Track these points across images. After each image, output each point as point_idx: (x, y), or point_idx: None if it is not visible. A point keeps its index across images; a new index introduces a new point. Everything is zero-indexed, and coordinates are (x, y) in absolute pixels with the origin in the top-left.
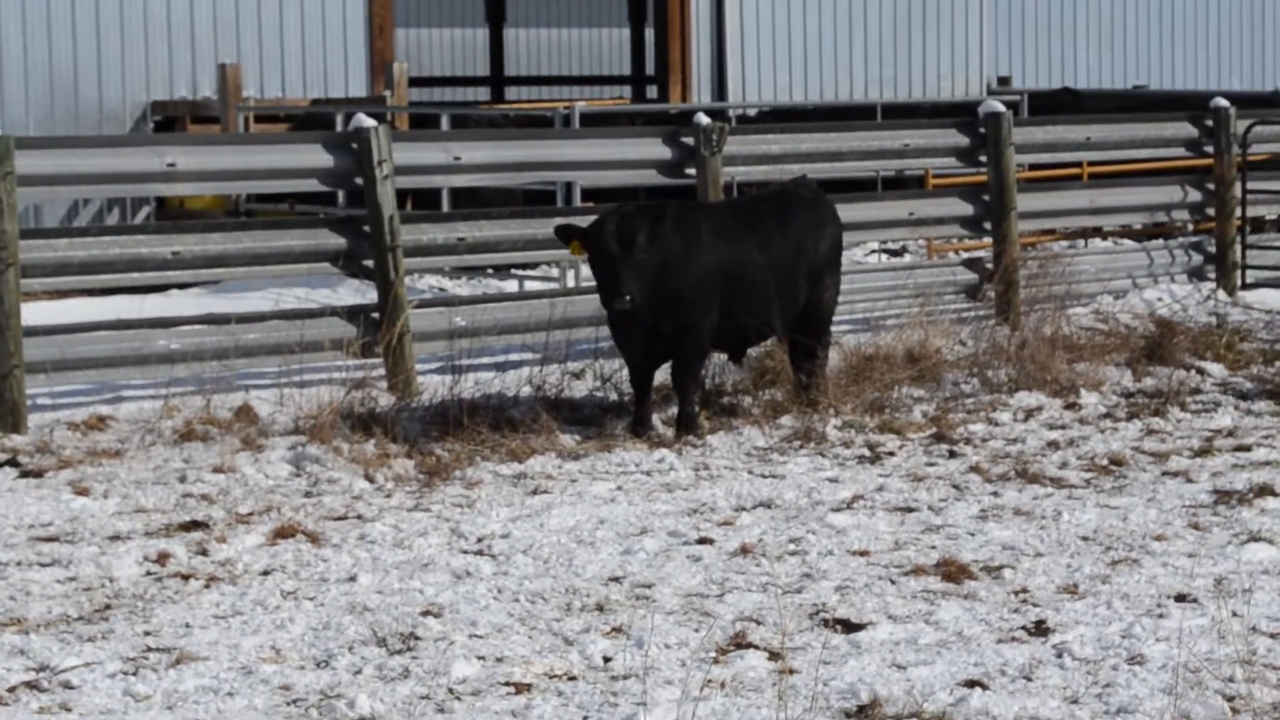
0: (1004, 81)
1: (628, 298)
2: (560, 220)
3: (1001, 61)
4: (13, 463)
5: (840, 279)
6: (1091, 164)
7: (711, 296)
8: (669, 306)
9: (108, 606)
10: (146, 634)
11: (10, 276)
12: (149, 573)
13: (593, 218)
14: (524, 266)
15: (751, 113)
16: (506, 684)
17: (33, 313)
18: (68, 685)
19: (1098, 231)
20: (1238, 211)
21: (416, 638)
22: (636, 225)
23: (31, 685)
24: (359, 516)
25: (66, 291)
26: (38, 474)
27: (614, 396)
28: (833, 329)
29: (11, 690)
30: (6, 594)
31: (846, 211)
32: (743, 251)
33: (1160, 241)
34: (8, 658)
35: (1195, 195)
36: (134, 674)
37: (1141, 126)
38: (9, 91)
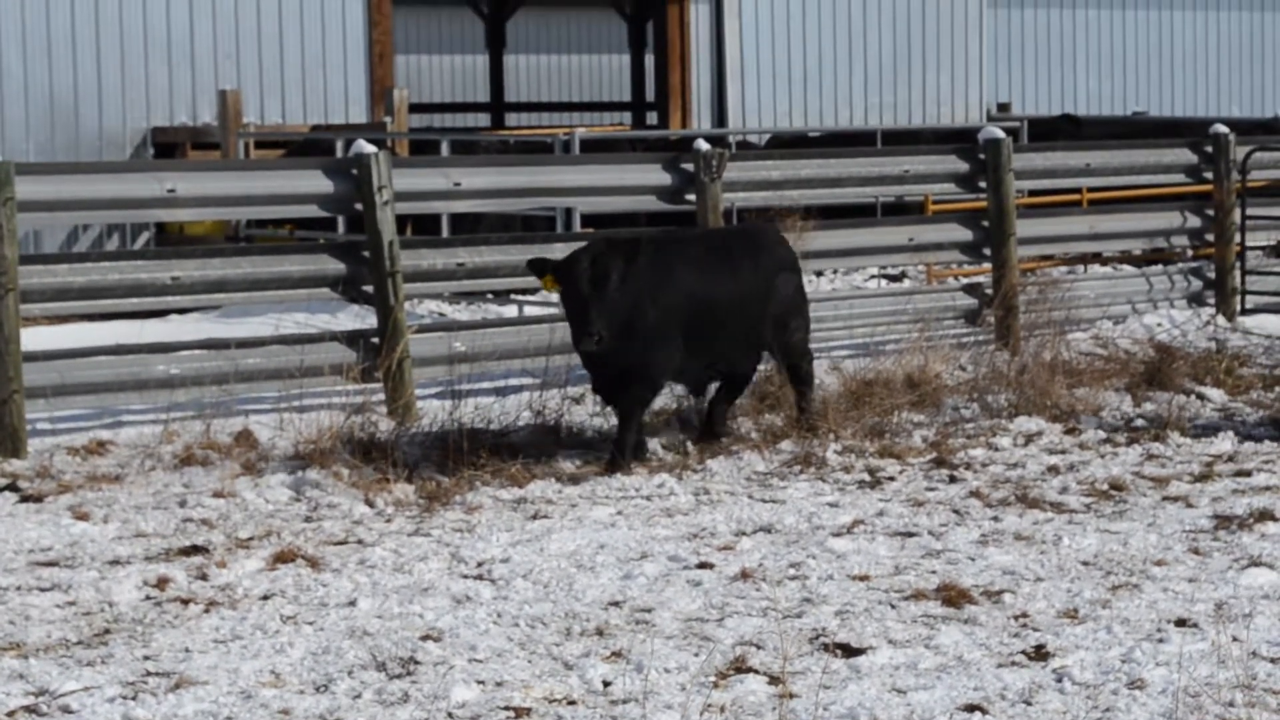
0: (1004, 108)
1: (596, 338)
2: (534, 253)
3: (1001, 88)
4: (13, 487)
5: (808, 319)
6: (1091, 190)
7: (676, 333)
8: (633, 340)
9: (107, 631)
10: (146, 658)
11: (10, 302)
12: (149, 597)
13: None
14: (523, 292)
15: (754, 139)
16: (506, 708)
17: (33, 338)
18: (67, 710)
19: (1097, 257)
20: (1237, 237)
21: (416, 662)
22: (609, 263)
23: (31, 710)
24: (359, 541)
25: (66, 317)
26: (38, 499)
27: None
28: (833, 354)
29: (11, 715)
30: (6, 618)
31: (847, 237)
32: (711, 288)
33: (1160, 267)
34: (7, 682)
35: (1195, 221)
36: (133, 698)
37: (1141, 153)
38: (9, 117)
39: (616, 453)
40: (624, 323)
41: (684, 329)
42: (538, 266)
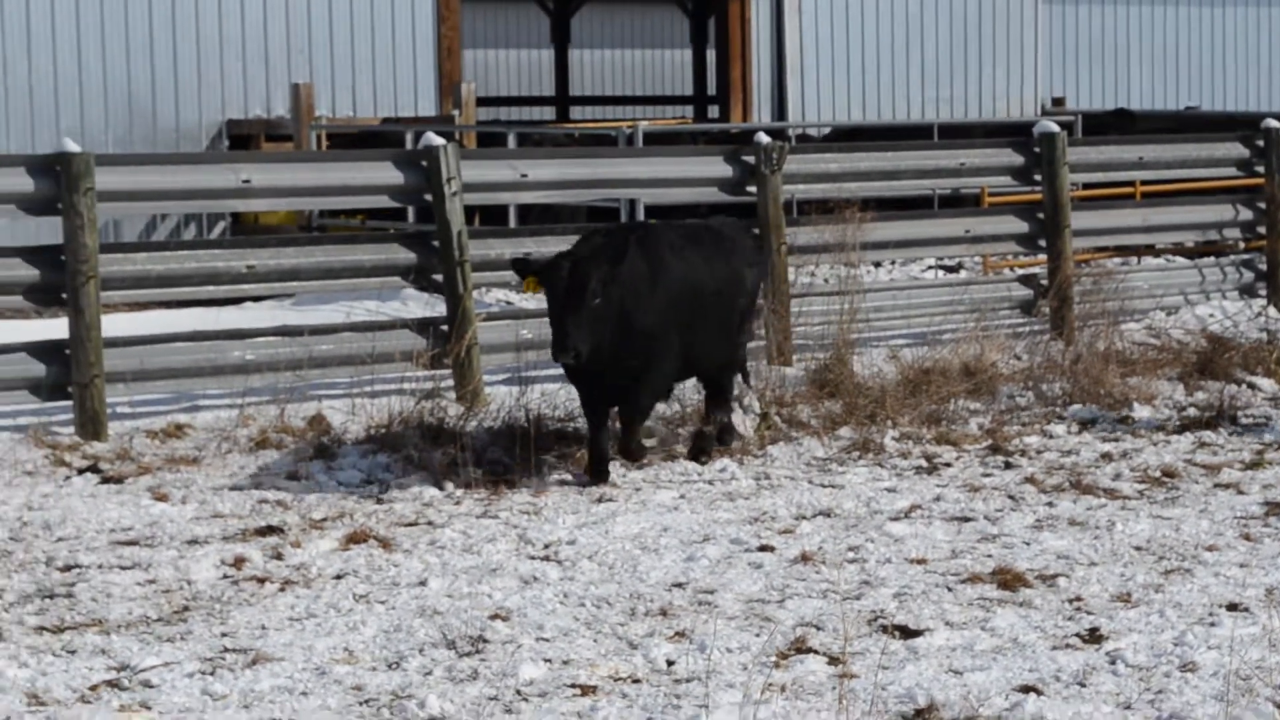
0: (1059, 102)
1: (572, 353)
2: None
3: (1056, 83)
4: (94, 469)
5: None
6: (1144, 183)
7: (672, 330)
8: (632, 341)
9: (186, 608)
10: (223, 635)
11: (91, 289)
12: (226, 576)
13: None
14: None
15: (813, 132)
16: (572, 686)
17: (112, 324)
18: (147, 684)
19: (1151, 249)
20: None
21: (485, 640)
22: (590, 272)
23: (113, 684)
24: (429, 523)
25: (145, 304)
26: (118, 480)
27: (676, 407)
28: (891, 343)
29: (94, 689)
30: (88, 595)
31: (904, 229)
32: (702, 282)
33: (1212, 259)
34: (90, 657)
35: (1246, 214)
36: (211, 674)
37: (1193, 147)
38: (89, 111)
39: (633, 449)
40: (621, 325)
41: (681, 326)
42: (520, 267)
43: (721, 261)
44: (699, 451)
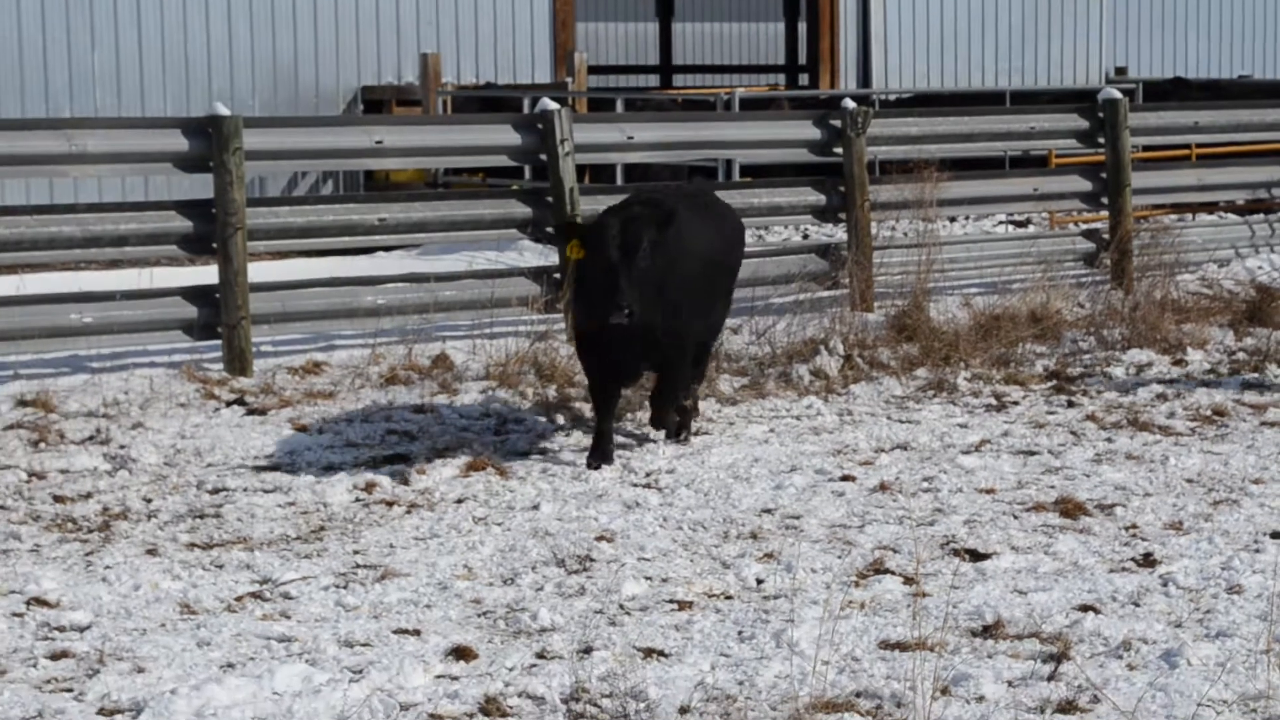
0: (1121, 71)
1: (626, 312)
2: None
3: (1119, 53)
4: (240, 402)
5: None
6: (1200, 145)
7: (709, 296)
8: (674, 307)
9: (322, 528)
10: (355, 553)
11: (239, 239)
12: (358, 499)
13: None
14: None
15: (895, 98)
16: (670, 601)
17: (258, 271)
18: (287, 596)
19: (1205, 206)
20: None
21: (591, 560)
22: (641, 232)
23: (256, 596)
24: (541, 453)
25: (287, 253)
26: (262, 411)
27: (766, 349)
28: (965, 291)
29: (239, 600)
30: (235, 516)
31: (978, 187)
32: (722, 249)
33: (1261, 216)
34: (236, 571)
35: None
36: (344, 587)
37: (1245, 112)
38: (238, 78)
39: (683, 421)
40: (662, 289)
41: (711, 292)
42: (564, 230)
43: (730, 229)
44: (680, 428)
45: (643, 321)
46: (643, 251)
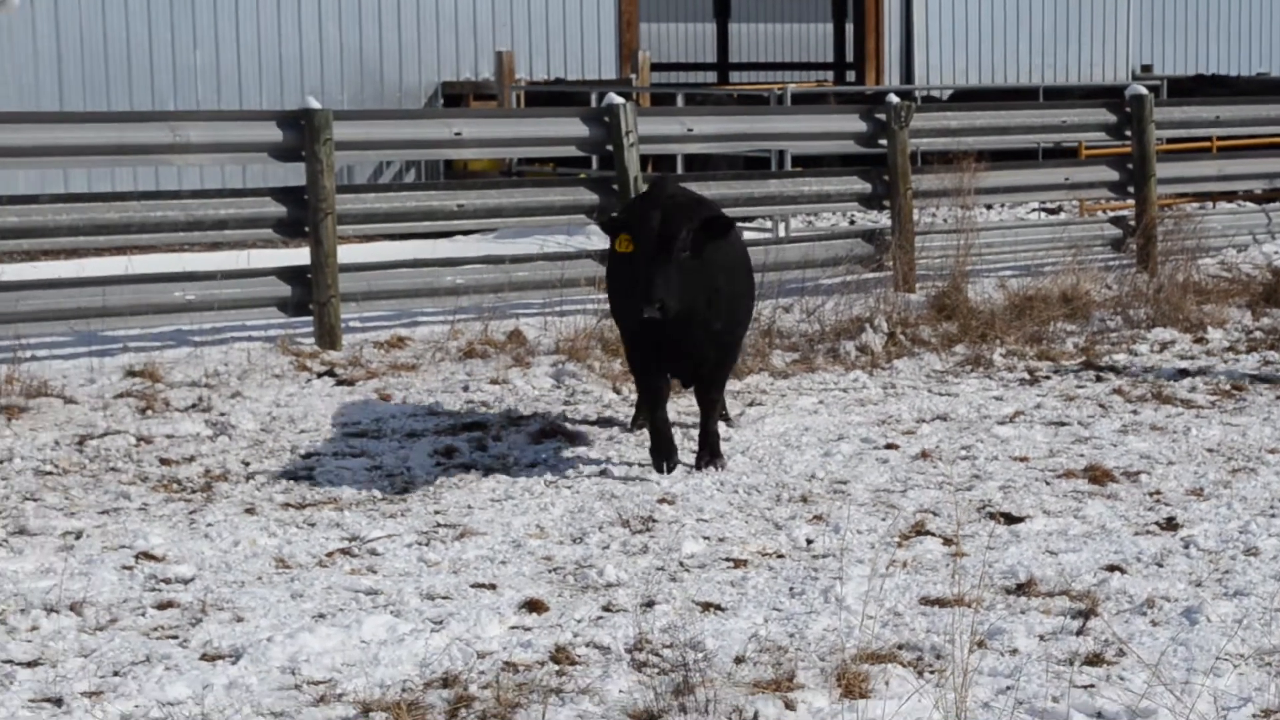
0: (1147, 69)
1: (658, 305)
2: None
3: (1145, 51)
4: (330, 373)
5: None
6: (1220, 138)
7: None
8: (718, 304)
9: (405, 490)
10: (436, 513)
11: (329, 224)
12: (438, 464)
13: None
14: (743, 219)
15: (936, 93)
16: (727, 559)
17: (346, 253)
18: (373, 552)
19: (1225, 195)
20: None
21: (654, 521)
22: (680, 223)
23: (345, 552)
24: (608, 421)
25: (373, 236)
26: (350, 382)
27: (816, 327)
28: (1000, 274)
29: (330, 555)
30: (325, 479)
31: (1013, 177)
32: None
33: (1278, 204)
34: (327, 529)
35: None
36: (426, 544)
37: (1263, 107)
38: (328, 74)
39: (715, 441)
40: (708, 284)
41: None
42: (610, 226)
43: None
44: (713, 455)
45: (683, 317)
46: (680, 241)
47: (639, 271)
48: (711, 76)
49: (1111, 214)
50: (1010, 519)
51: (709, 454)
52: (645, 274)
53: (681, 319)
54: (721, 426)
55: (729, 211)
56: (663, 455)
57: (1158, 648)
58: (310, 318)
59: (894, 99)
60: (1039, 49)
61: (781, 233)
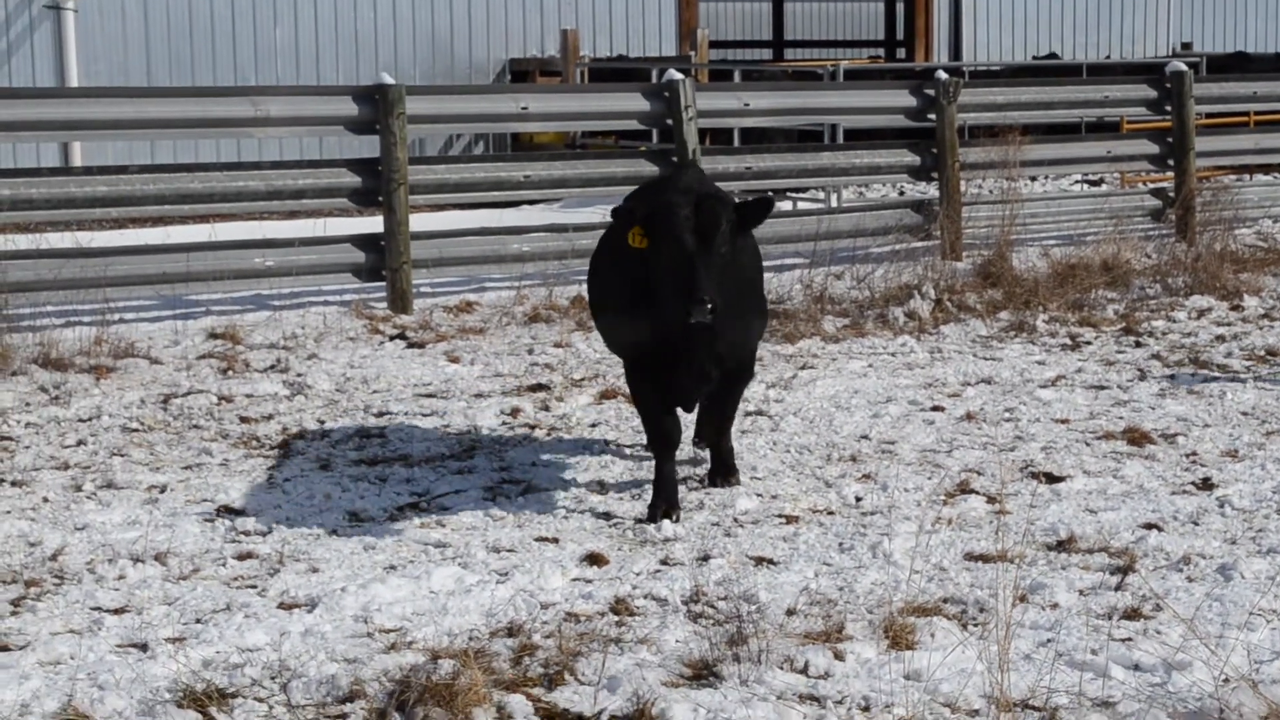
0: (1186, 46)
1: (709, 306)
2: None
3: (1185, 29)
4: (402, 336)
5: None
6: (1258, 113)
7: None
8: (741, 310)
9: (473, 448)
10: (502, 469)
11: (401, 194)
12: (504, 423)
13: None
14: (797, 190)
15: (981, 69)
16: (779, 516)
17: (418, 221)
18: (443, 507)
19: (1261, 168)
20: None
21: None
22: (720, 214)
23: (414, 506)
24: None
25: (443, 205)
26: (420, 345)
27: (866, 293)
28: (1044, 243)
29: (400, 509)
30: (397, 437)
31: (1057, 150)
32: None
33: None
34: (397, 485)
35: None
36: (492, 500)
37: None
38: (402, 50)
39: (732, 463)
40: (735, 283)
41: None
42: (623, 216)
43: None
44: (729, 472)
45: (713, 325)
46: (721, 235)
47: (678, 270)
48: (767, 53)
49: (1151, 186)
50: (1051, 478)
51: (724, 471)
52: (688, 272)
53: (710, 324)
54: (775, 390)
55: (781, 183)
56: (670, 504)
57: (1193, 603)
58: (383, 283)
59: (943, 75)
60: (1083, 26)
61: (834, 203)
